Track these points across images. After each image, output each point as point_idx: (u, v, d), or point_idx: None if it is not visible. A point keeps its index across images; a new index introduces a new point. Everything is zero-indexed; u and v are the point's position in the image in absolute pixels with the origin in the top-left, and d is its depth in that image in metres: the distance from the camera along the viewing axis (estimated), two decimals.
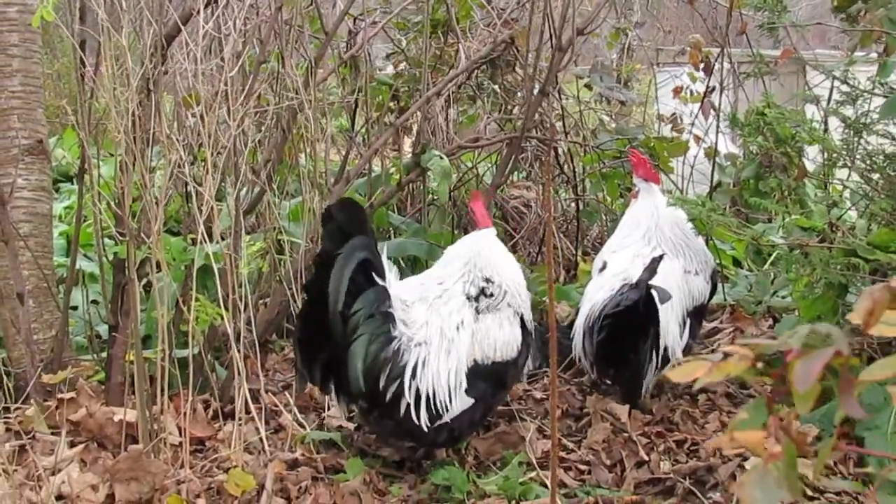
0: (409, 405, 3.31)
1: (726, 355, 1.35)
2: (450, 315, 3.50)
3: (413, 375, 3.32)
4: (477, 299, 3.57)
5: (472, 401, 3.45)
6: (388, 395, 3.29)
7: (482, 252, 3.66)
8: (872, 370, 1.27)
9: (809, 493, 3.29)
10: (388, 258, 3.52)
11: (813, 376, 1.22)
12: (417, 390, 3.32)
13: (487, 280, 3.61)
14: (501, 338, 3.56)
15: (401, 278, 3.65)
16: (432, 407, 3.35)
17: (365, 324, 3.22)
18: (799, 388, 1.23)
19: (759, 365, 1.33)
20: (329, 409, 3.95)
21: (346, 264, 3.16)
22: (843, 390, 1.25)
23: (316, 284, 3.24)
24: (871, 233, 4.18)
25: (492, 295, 3.59)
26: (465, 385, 3.44)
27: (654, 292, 3.77)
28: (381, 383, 3.27)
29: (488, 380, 3.53)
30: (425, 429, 3.35)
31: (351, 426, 3.81)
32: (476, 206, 3.88)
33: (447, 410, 3.38)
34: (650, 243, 4.25)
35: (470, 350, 3.47)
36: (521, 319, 3.68)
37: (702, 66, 6.28)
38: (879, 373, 1.27)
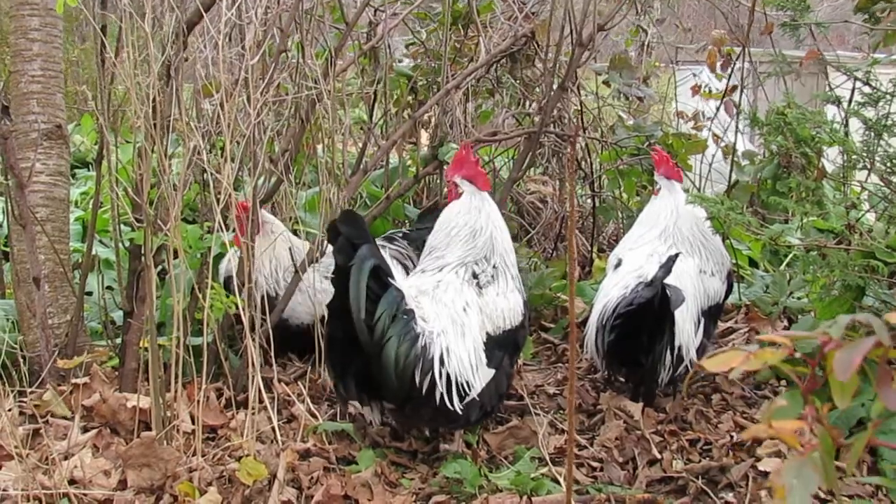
0: (442, 393, 3.37)
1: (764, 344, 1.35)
2: (453, 302, 3.56)
3: (442, 364, 3.38)
4: (475, 276, 3.67)
5: (492, 371, 3.55)
6: (424, 389, 3.35)
7: (475, 226, 3.74)
8: None
9: (822, 495, 3.28)
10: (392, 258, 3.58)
11: (853, 366, 1.22)
12: (447, 377, 3.39)
13: (481, 268, 3.70)
14: (507, 307, 3.67)
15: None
16: (462, 388, 3.43)
17: (392, 326, 3.27)
18: (840, 378, 1.22)
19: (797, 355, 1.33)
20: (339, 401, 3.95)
21: (360, 274, 3.21)
22: (882, 382, 1.25)
23: (337, 299, 3.28)
24: (889, 235, 4.16)
25: (488, 268, 3.70)
26: (484, 359, 3.53)
27: (668, 292, 3.76)
28: (417, 379, 3.33)
29: (504, 348, 3.64)
30: (459, 411, 3.42)
31: (365, 417, 3.81)
32: (469, 159, 3.88)
33: (472, 388, 3.46)
34: (666, 242, 4.24)
35: (482, 325, 3.58)
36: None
37: (719, 64, 6.26)
38: None
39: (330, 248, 3.59)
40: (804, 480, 1.23)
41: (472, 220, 3.76)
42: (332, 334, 3.38)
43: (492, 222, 3.77)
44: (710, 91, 6.75)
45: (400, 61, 5.96)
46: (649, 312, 3.81)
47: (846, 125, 4.86)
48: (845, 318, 1.31)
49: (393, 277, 3.34)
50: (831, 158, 4.66)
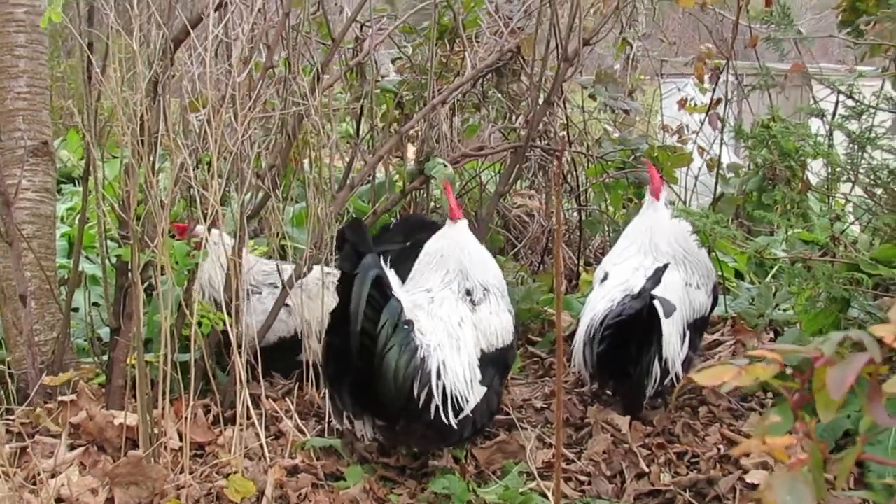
0: (437, 406, 3.39)
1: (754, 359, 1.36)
2: (448, 316, 3.59)
3: (438, 377, 3.40)
4: (469, 293, 3.69)
5: (484, 389, 3.56)
6: (421, 401, 3.37)
7: (461, 259, 3.76)
8: (891, 383, 1.27)
9: None
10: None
11: (847, 383, 1.23)
12: (444, 391, 3.40)
13: (471, 284, 3.72)
14: (500, 325, 3.71)
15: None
16: (456, 403, 3.44)
17: (394, 335, 3.30)
18: (833, 395, 1.24)
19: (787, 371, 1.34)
20: (330, 416, 3.94)
21: (363, 282, 3.23)
22: (872, 399, 1.26)
23: (340, 307, 3.31)
24: (873, 247, 4.18)
25: (479, 288, 3.72)
26: (479, 375, 3.55)
27: (656, 303, 3.77)
28: (415, 391, 3.35)
29: (494, 366, 3.66)
30: (454, 426, 3.43)
31: (357, 432, 3.81)
32: (449, 194, 3.91)
33: (467, 402, 3.47)
34: (648, 256, 4.26)
35: (476, 342, 3.60)
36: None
37: (708, 77, 6.29)
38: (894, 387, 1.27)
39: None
40: (797, 496, 1.24)
41: (441, 246, 3.80)
42: (332, 343, 3.39)
43: (459, 248, 3.78)
44: (695, 104, 6.78)
45: (385, 76, 5.97)
46: (638, 324, 3.82)
47: (830, 138, 4.88)
48: (838, 335, 1.32)
49: (392, 290, 3.36)
50: (816, 171, 4.67)
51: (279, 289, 4.20)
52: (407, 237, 3.93)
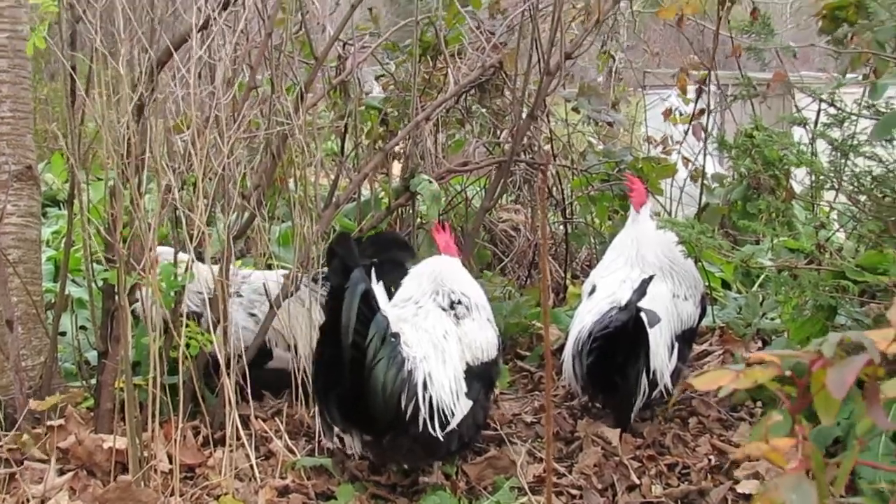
0: (425, 420, 3.39)
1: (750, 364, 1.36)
2: (433, 328, 3.60)
3: (425, 389, 3.40)
4: (452, 307, 3.69)
5: (471, 402, 3.56)
6: (408, 414, 3.37)
7: (446, 271, 3.79)
8: (887, 387, 1.28)
9: None
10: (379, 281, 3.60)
11: (847, 384, 1.24)
12: (430, 403, 3.41)
13: (456, 297, 3.73)
14: (484, 339, 3.71)
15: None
16: (443, 415, 3.44)
17: (382, 349, 3.32)
18: (835, 395, 1.24)
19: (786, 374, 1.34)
20: (320, 435, 3.93)
21: (353, 296, 3.25)
22: (872, 401, 1.26)
23: (329, 320, 3.32)
24: (859, 254, 4.19)
25: (461, 303, 3.72)
26: (465, 388, 3.55)
27: (643, 314, 3.78)
28: (403, 403, 3.35)
29: (480, 380, 3.66)
30: (441, 439, 3.43)
31: (346, 448, 3.80)
32: (439, 237, 3.94)
33: (453, 415, 3.47)
34: (634, 268, 4.27)
35: (461, 355, 3.61)
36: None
37: (696, 87, 6.31)
38: (892, 390, 1.28)
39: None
40: (802, 496, 1.25)
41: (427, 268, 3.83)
42: (321, 356, 3.39)
43: (446, 268, 3.82)
44: (680, 114, 6.80)
45: (369, 93, 5.98)
46: (624, 336, 3.83)
47: (813, 146, 4.90)
48: (836, 336, 1.32)
49: (379, 303, 3.37)
50: (799, 179, 4.69)
51: (242, 297, 4.22)
52: (376, 254, 3.93)
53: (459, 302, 3.71)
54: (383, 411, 3.34)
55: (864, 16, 4.08)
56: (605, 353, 3.90)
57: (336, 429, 3.50)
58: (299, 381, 4.13)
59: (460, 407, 3.50)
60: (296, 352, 4.19)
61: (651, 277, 4.03)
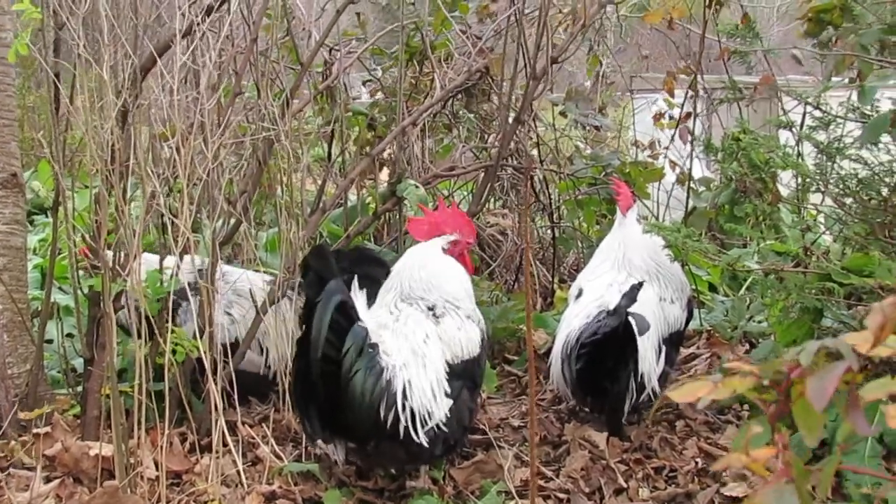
0: (406, 427, 3.38)
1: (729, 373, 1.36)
2: (413, 333, 3.58)
3: (405, 397, 3.39)
4: (431, 309, 3.67)
5: (451, 401, 3.53)
6: (389, 423, 3.36)
7: (425, 268, 3.75)
8: (867, 390, 1.28)
9: None
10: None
11: (829, 393, 1.23)
12: (411, 410, 3.39)
13: (431, 302, 3.70)
14: (464, 336, 3.67)
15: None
16: (424, 420, 3.42)
17: (359, 360, 3.30)
18: (816, 406, 1.24)
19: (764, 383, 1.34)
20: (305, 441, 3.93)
21: (325, 310, 3.23)
22: (852, 407, 1.26)
23: (305, 334, 3.31)
24: (845, 257, 4.20)
25: (437, 305, 3.69)
26: (446, 387, 3.53)
27: (632, 320, 3.79)
28: (382, 413, 3.34)
29: (462, 379, 3.62)
30: (425, 444, 3.42)
31: (331, 456, 3.79)
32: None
33: (432, 417, 3.45)
34: (621, 272, 4.28)
35: (441, 355, 3.58)
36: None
37: (685, 91, 6.33)
38: (873, 393, 1.28)
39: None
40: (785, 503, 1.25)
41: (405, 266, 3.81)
42: (299, 369, 3.37)
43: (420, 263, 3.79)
44: (669, 118, 6.81)
45: (357, 98, 5.98)
46: (614, 341, 3.83)
47: (799, 149, 4.91)
48: (814, 345, 1.32)
49: (359, 314, 3.35)
50: (786, 182, 4.71)
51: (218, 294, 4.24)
52: (352, 268, 3.91)
53: (441, 302, 3.69)
54: (363, 421, 3.33)
55: (849, 19, 4.09)
56: (594, 359, 3.89)
57: (319, 439, 3.50)
58: (286, 386, 4.13)
59: (440, 407, 3.48)
60: (267, 355, 4.19)
61: (641, 284, 4.03)
